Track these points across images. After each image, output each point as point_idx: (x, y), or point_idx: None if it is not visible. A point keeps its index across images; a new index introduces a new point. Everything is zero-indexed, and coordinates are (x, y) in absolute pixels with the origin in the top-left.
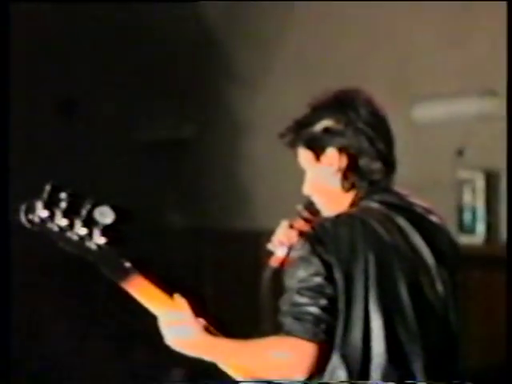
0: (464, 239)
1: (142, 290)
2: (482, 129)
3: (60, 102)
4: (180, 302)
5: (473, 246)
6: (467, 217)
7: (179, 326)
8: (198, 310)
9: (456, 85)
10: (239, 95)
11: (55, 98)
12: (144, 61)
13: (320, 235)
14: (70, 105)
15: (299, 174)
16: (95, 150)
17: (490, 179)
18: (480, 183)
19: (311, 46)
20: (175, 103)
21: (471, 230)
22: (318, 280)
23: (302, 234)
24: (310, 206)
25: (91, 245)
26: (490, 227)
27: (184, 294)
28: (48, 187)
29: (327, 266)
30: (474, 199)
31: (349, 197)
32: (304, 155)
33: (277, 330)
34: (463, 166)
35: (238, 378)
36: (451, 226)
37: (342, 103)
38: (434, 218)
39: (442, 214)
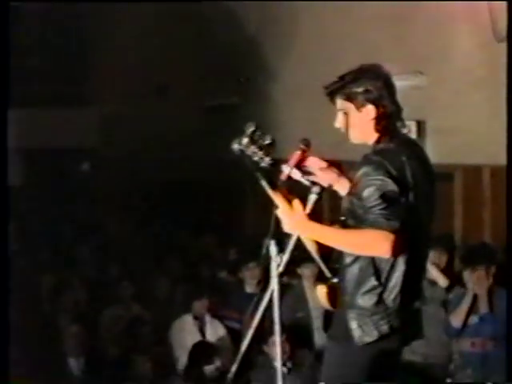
0: None
1: (279, 196)
2: (414, 95)
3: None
4: (296, 204)
5: None
6: None
7: (294, 217)
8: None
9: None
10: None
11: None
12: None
13: (384, 163)
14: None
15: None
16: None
17: (420, 126)
18: (414, 128)
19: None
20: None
21: None
22: (393, 193)
23: (366, 159)
24: (307, 142)
25: (265, 164)
26: None
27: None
28: (251, 127)
29: (396, 184)
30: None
31: (376, 135)
32: (344, 105)
33: None
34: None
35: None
36: None
37: (374, 73)
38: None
39: None
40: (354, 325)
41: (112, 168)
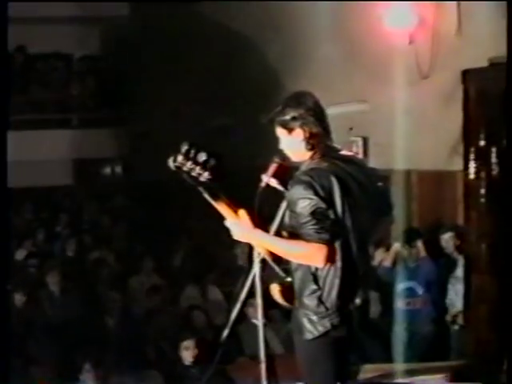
0: None
1: (222, 206)
2: (360, 118)
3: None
4: (242, 213)
5: None
6: None
7: (240, 226)
8: (251, 218)
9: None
10: None
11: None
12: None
13: (312, 182)
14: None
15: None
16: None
17: (365, 141)
18: (360, 143)
19: None
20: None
21: None
22: (322, 209)
23: (297, 180)
24: (282, 155)
25: (203, 179)
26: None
27: (244, 210)
28: (185, 146)
29: (323, 201)
30: (357, 149)
31: (309, 153)
32: (280, 131)
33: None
34: (352, 134)
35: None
36: None
37: (299, 100)
38: (358, 158)
39: None
40: (304, 321)
41: (141, 172)
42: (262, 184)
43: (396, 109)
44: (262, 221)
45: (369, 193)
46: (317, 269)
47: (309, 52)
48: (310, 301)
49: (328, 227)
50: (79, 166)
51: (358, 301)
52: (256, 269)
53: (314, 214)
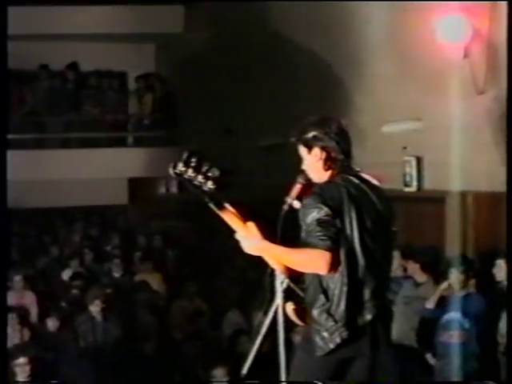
0: (407, 189)
1: (229, 218)
2: (414, 136)
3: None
4: (250, 225)
5: (411, 192)
6: (407, 178)
7: (249, 239)
8: (260, 230)
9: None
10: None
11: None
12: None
13: (322, 193)
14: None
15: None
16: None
17: (419, 160)
18: (414, 163)
19: None
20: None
21: (410, 185)
22: (328, 218)
23: (308, 192)
24: (305, 176)
25: (206, 188)
26: (419, 183)
27: (253, 221)
28: (185, 154)
29: (331, 210)
30: (411, 170)
31: (327, 173)
32: (302, 150)
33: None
34: (406, 154)
35: (279, 271)
36: (400, 183)
37: (323, 122)
38: (375, 182)
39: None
40: (315, 337)
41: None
42: (285, 206)
43: (451, 126)
44: (285, 243)
45: (380, 212)
46: (327, 282)
47: (362, 69)
48: (319, 314)
49: (332, 235)
50: (134, 185)
51: (368, 316)
52: (278, 300)
53: (319, 222)
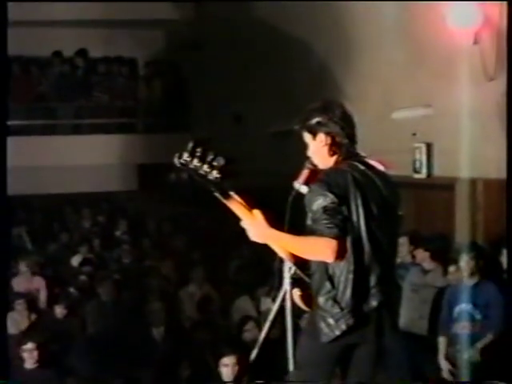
0: (416, 175)
1: (235, 206)
2: (424, 122)
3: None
4: (256, 213)
5: (421, 179)
6: (417, 164)
7: (255, 227)
8: (266, 218)
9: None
10: None
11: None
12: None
13: (328, 180)
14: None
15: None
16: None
17: (429, 147)
18: (424, 149)
19: None
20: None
21: (420, 171)
22: (334, 205)
23: (315, 179)
24: (312, 162)
25: (211, 178)
26: (429, 170)
27: (260, 209)
28: (191, 144)
29: (337, 197)
30: (421, 156)
31: (333, 159)
32: (307, 136)
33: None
34: (416, 140)
35: (285, 257)
36: (410, 170)
37: (326, 107)
38: (381, 168)
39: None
40: (320, 324)
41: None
42: (293, 192)
43: (461, 113)
44: (292, 228)
45: (386, 199)
46: (333, 269)
47: (372, 55)
48: (325, 301)
49: (338, 222)
50: (143, 171)
51: (374, 303)
52: (286, 286)
53: (326, 209)
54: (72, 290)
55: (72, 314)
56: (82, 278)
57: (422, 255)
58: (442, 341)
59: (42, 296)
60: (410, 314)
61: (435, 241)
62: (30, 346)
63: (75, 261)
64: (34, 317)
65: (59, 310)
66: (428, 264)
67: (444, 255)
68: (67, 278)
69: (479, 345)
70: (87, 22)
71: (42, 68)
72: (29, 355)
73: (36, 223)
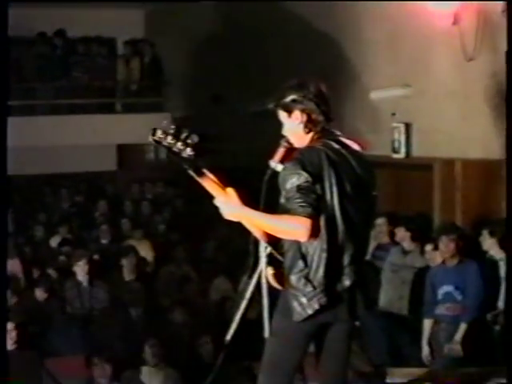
0: (395, 155)
1: (209, 184)
2: (403, 102)
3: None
4: (230, 191)
5: (399, 159)
6: (396, 144)
7: (228, 205)
8: (240, 196)
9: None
10: None
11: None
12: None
13: (302, 159)
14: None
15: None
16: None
17: (408, 127)
18: (402, 129)
19: None
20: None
21: (398, 151)
22: (308, 184)
23: (290, 158)
24: (288, 140)
25: (185, 155)
26: (408, 150)
27: (234, 187)
28: (164, 122)
29: (311, 176)
30: (399, 136)
31: (308, 137)
32: (282, 115)
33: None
34: (394, 120)
35: (258, 236)
36: (389, 150)
37: (301, 85)
38: (356, 147)
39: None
40: (293, 303)
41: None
42: (269, 170)
43: (440, 93)
44: (268, 207)
45: (361, 178)
46: (306, 247)
47: (351, 35)
48: (297, 279)
49: (312, 201)
50: (123, 151)
51: (347, 282)
52: (262, 265)
53: (299, 188)
54: (51, 270)
55: (51, 295)
56: (61, 258)
57: (402, 235)
58: (426, 324)
59: (20, 277)
60: (390, 295)
61: (416, 220)
62: (8, 326)
63: (54, 242)
64: (14, 300)
65: (39, 293)
66: (408, 244)
67: (424, 236)
68: (46, 258)
69: (458, 336)
70: (67, 2)
71: (21, 48)
72: (7, 336)
73: (14, 204)
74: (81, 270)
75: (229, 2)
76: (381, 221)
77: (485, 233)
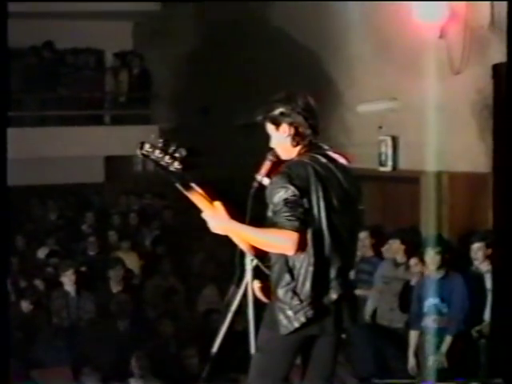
0: (382, 168)
1: (196, 198)
2: (390, 116)
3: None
4: (217, 205)
5: (386, 172)
6: (383, 157)
7: (216, 218)
8: (227, 210)
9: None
10: None
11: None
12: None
13: (290, 173)
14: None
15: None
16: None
17: (395, 140)
18: (389, 142)
19: None
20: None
21: (385, 164)
22: (295, 198)
23: (277, 171)
24: (275, 153)
25: (173, 169)
26: (395, 163)
27: (220, 201)
28: (151, 136)
29: (298, 190)
30: (386, 149)
31: (296, 150)
32: (270, 127)
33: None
34: (381, 133)
35: (246, 249)
36: (376, 163)
37: (289, 98)
38: (343, 161)
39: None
40: (279, 316)
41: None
42: (255, 183)
43: (427, 106)
44: (254, 220)
45: (347, 192)
46: (293, 261)
47: (338, 48)
48: (284, 293)
49: (299, 215)
50: (110, 163)
51: (334, 296)
52: (248, 277)
53: (287, 202)
54: (38, 281)
55: (38, 306)
56: (49, 269)
57: (397, 247)
58: (412, 335)
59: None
60: (381, 307)
61: (409, 233)
62: None
63: (42, 253)
64: None
65: (25, 305)
66: (401, 257)
67: (417, 248)
68: (34, 270)
69: (443, 349)
70: (55, 14)
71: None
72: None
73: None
74: (68, 280)
75: (218, 16)
76: (363, 235)
77: (471, 245)
